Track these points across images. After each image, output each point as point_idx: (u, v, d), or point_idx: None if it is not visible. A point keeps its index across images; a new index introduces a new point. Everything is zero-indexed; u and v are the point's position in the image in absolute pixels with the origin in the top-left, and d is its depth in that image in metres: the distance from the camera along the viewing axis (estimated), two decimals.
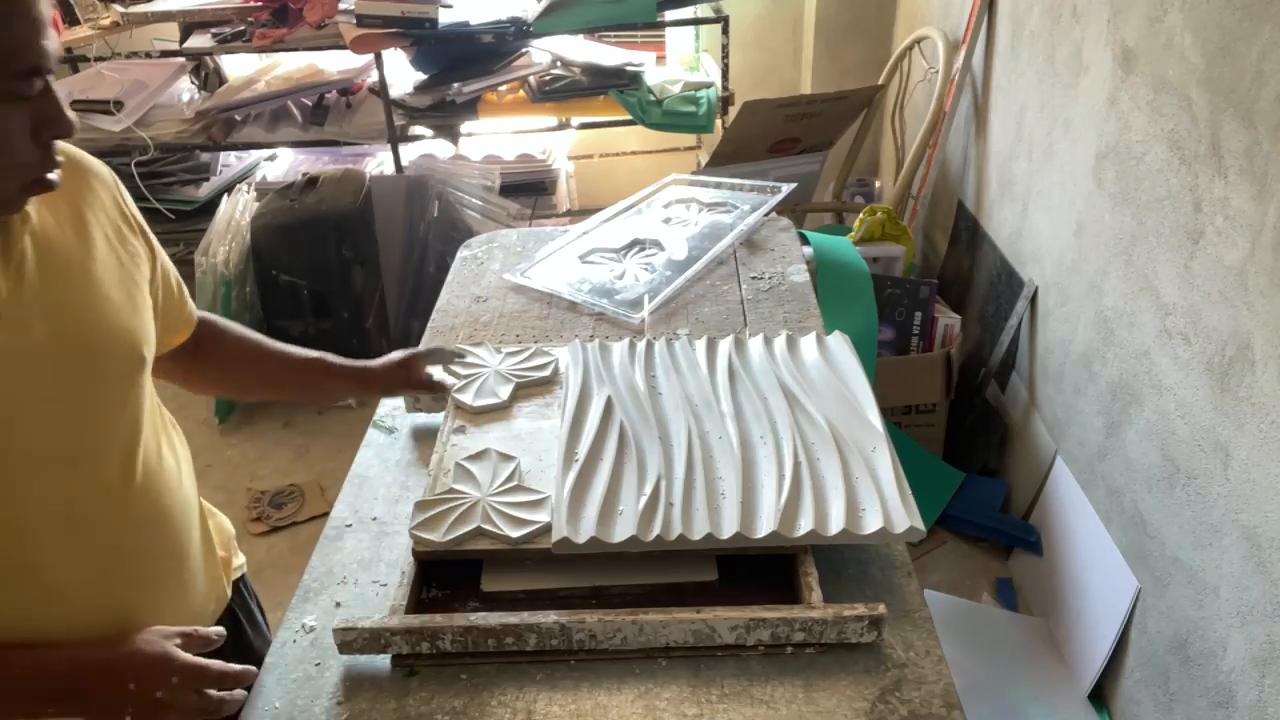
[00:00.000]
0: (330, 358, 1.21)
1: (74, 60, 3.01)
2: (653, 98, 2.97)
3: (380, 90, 2.90)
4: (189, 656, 0.88)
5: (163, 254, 1.00)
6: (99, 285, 0.86)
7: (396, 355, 1.27)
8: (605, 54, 3.09)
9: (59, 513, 0.84)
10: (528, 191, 3.26)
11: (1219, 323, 1.44)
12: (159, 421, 0.97)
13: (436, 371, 1.32)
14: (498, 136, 3.24)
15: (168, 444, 0.98)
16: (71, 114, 0.76)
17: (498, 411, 1.27)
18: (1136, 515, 1.71)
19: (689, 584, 1.05)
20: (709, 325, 1.55)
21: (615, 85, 2.98)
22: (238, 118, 3.10)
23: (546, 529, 1.03)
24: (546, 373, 1.34)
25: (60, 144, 0.82)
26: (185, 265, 2.95)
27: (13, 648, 0.83)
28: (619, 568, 1.06)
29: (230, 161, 3.34)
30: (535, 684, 0.96)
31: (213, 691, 0.88)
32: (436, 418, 1.34)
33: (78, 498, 0.85)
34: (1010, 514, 2.29)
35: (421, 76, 3.02)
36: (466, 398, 1.28)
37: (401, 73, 3.06)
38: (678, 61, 3.40)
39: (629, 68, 3.00)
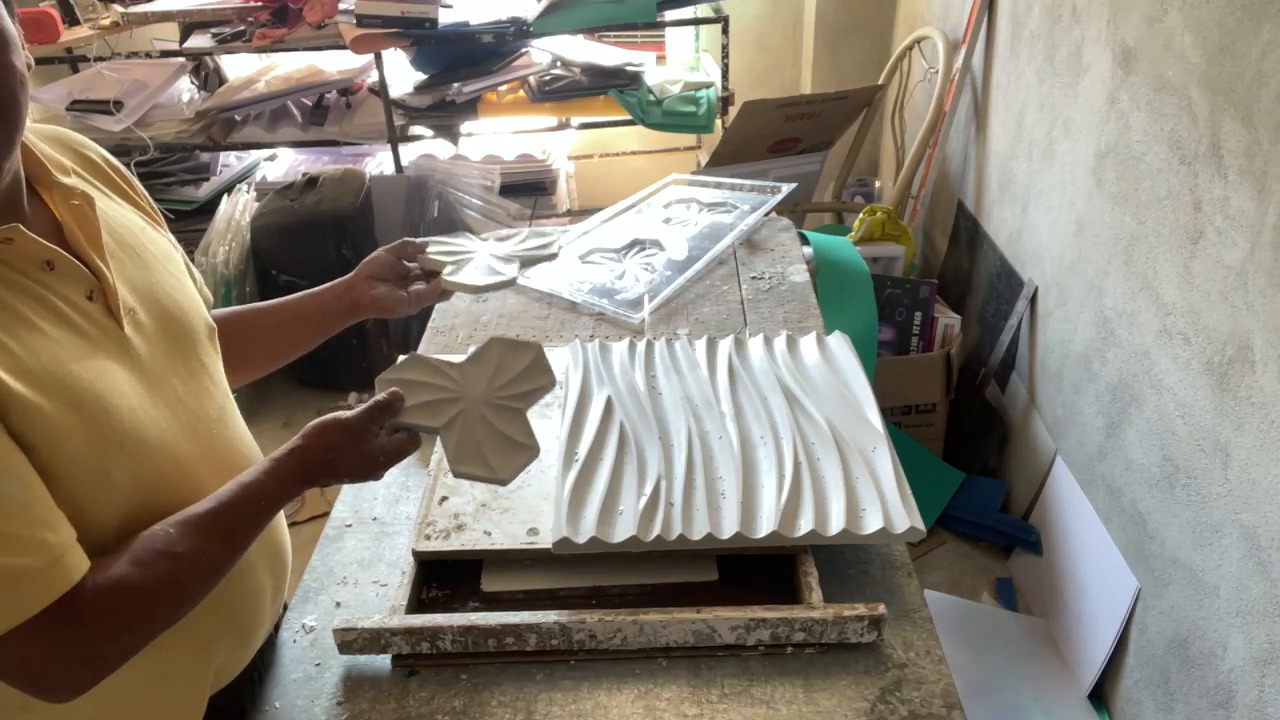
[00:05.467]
0: (308, 298, 1.15)
1: (74, 60, 3.01)
2: (653, 98, 2.97)
3: (380, 90, 2.89)
4: (347, 412, 0.92)
5: (173, 239, 1.02)
6: (161, 263, 0.91)
7: (352, 276, 1.16)
8: (605, 54, 3.08)
9: (213, 466, 0.89)
10: (528, 191, 3.26)
11: (1219, 323, 1.44)
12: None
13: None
14: (498, 136, 3.24)
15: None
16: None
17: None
18: (1136, 515, 1.71)
19: (689, 584, 1.05)
20: (709, 325, 1.55)
21: (615, 85, 2.98)
22: (238, 118, 3.10)
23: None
24: (553, 250, 1.24)
25: (81, 136, 0.92)
26: None
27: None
28: (619, 568, 1.06)
29: (230, 161, 3.33)
30: (535, 684, 0.96)
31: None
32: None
33: (218, 450, 0.91)
34: (1010, 514, 2.29)
35: (421, 76, 3.02)
36: (464, 277, 1.14)
37: (401, 73, 3.06)
38: (678, 61, 3.40)
39: (629, 68, 3.00)
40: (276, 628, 1.06)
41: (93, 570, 0.74)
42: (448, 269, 1.15)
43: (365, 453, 0.91)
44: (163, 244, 0.95)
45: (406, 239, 1.18)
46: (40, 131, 0.87)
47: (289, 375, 2.96)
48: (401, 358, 1.04)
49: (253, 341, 1.11)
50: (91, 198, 0.82)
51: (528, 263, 1.21)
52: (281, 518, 1.02)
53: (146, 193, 0.98)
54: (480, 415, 0.99)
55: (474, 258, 1.19)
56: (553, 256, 1.23)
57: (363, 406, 0.93)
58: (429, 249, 1.18)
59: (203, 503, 0.83)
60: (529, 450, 0.97)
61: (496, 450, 0.96)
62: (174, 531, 0.79)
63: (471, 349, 1.06)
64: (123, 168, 0.96)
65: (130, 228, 0.89)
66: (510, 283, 1.16)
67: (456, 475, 0.95)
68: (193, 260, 2.79)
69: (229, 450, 0.93)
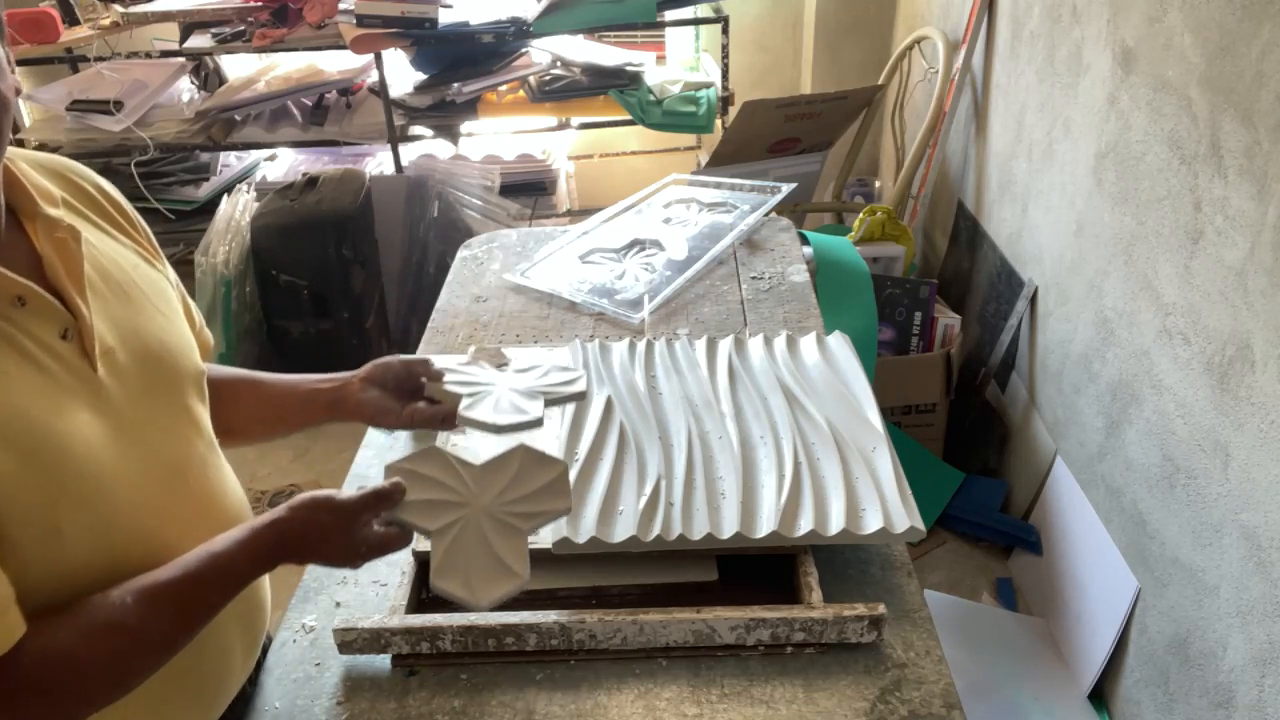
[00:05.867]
0: (302, 382, 1.09)
1: (74, 60, 3.01)
2: (653, 98, 2.97)
3: (380, 90, 2.89)
4: (340, 494, 0.87)
5: (175, 277, 0.98)
6: (151, 301, 0.87)
7: (362, 375, 1.08)
8: (605, 54, 3.08)
9: (188, 521, 0.84)
10: (528, 191, 3.26)
11: (1219, 323, 1.44)
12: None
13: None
14: (498, 136, 3.24)
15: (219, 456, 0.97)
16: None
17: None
18: (1136, 515, 1.71)
19: (689, 584, 1.05)
20: (709, 325, 1.55)
21: (615, 85, 2.98)
22: (238, 118, 3.10)
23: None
24: (579, 388, 1.18)
25: (81, 167, 0.89)
26: (185, 265, 2.96)
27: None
28: (619, 568, 1.06)
29: (230, 161, 3.33)
30: (535, 684, 0.96)
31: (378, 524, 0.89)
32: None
33: (196, 504, 0.86)
34: (1010, 514, 2.29)
35: (421, 76, 3.02)
36: (482, 413, 1.09)
37: (401, 73, 3.06)
38: (678, 61, 3.40)
39: (629, 68, 3.00)
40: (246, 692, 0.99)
41: (34, 634, 0.69)
42: (464, 403, 1.09)
43: (350, 540, 0.86)
44: (157, 282, 0.90)
45: (426, 358, 1.12)
46: (36, 160, 0.84)
47: None
48: (421, 448, 0.97)
49: (237, 408, 1.04)
50: (78, 231, 0.78)
51: (553, 401, 1.14)
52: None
53: (147, 228, 0.94)
54: (478, 528, 0.91)
55: (493, 391, 1.12)
56: (581, 395, 1.17)
57: (360, 492, 0.88)
58: (445, 378, 1.11)
59: (165, 570, 0.77)
60: (515, 579, 0.89)
61: (482, 571, 0.89)
62: (129, 601, 0.74)
63: (494, 448, 0.98)
64: (124, 202, 0.92)
65: (121, 263, 0.85)
66: (537, 423, 1.08)
67: (432, 588, 0.88)
68: (192, 260, 2.80)
69: (210, 503, 0.88)
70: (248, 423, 1.06)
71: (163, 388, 0.84)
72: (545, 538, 1.05)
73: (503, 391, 1.13)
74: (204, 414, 0.91)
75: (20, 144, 2.96)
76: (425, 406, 1.08)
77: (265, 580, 0.98)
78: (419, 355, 1.10)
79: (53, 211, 0.78)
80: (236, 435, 1.05)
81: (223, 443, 1.03)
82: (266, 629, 1.00)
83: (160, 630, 0.76)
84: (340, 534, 0.85)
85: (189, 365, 0.89)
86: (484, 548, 0.90)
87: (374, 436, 1.34)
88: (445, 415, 1.08)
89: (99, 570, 0.75)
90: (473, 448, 1.17)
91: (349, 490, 0.88)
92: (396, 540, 0.88)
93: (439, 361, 1.13)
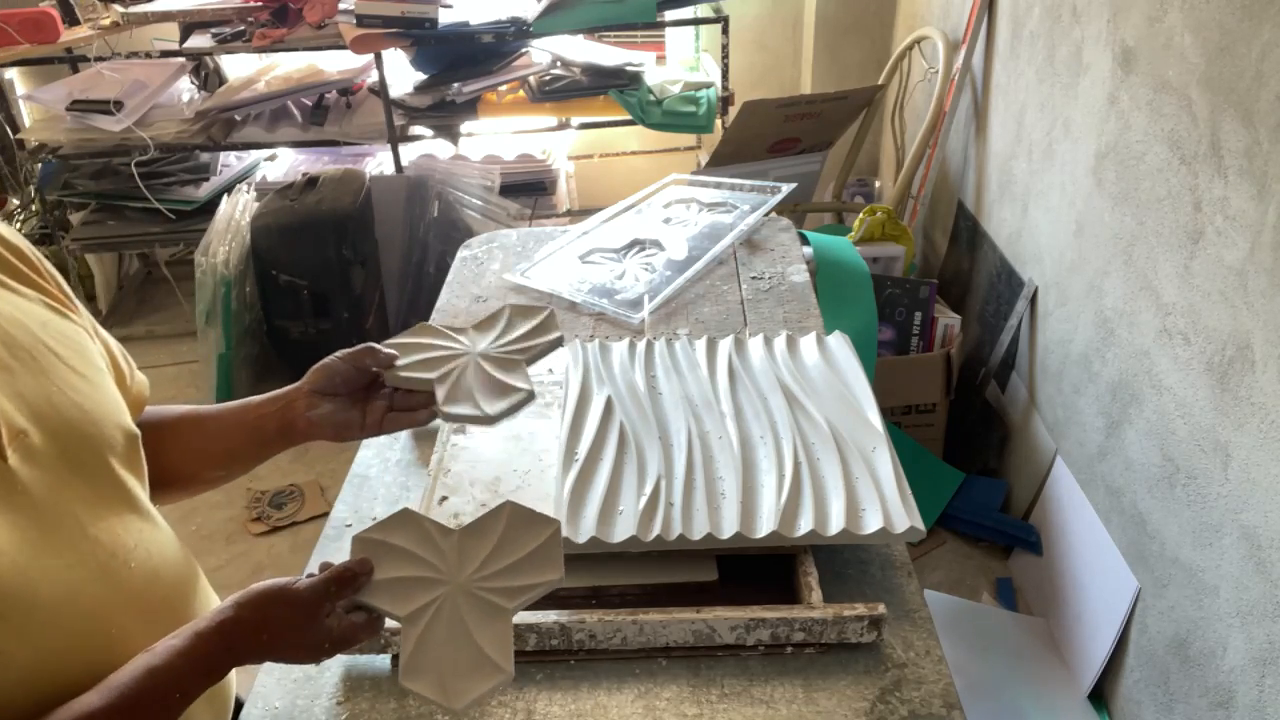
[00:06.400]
0: (244, 410, 0.95)
1: (74, 60, 3.01)
2: (653, 98, 2.97)
3: (380, 90, 2.90)
4: (302, 581, 0.77)
5: (93, 322, 0.85)
6: (66, 363, 0.75)
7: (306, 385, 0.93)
8: (605, 54, 3.09)
9: (134, 609, 0.75)
10: (528, 191, 3.26)
11: (1219, 323, 1.44)
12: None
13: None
14: (498, 136, 3.24)
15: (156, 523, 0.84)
16: None
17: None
18: (1136, 515, 1.71)
19: (689, 584, 1.05)
20: (709, 325, 1.55)
21: (615, 85, 2.98)
22: (238, 118, 3.10)
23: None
24: (555, 335, 1.04)
25: None
26: (185, 265, 2.96)
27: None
28: (619, 568, 1.06)
29: (230, 161, 3.34)
30: (535, 684, 0.96)
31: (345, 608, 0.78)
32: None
33: (139, 587, 0.77)
34: (1010, 514, 2.29)
35: (421, 76, 3.02)
36: (466, 406, 0.95)
37: (401, 73, 3.06)
38: (678, 61, 3.40)
39: (629, 68, 3.00)
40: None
41: None
42: (441, 395, 0.93)
43: (308, 636, 0.75)
44: (73, 337, 0.77)
45: (369, 345, 0.94)
46: None
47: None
48: (394, 511, 0.86)
49: (185, 452, 0.92)
50: None
51: (533, 358, 1.01)
52: None
53: (56, 273, 0.81)
54: (455, 611, 0.80)
55: (461, 368, 0.96)
56: (559, 342, 1.04)
57: (317, 578, 0.76)
58: (399, 361, 0.95)
59: (94, 696, 0.67)
60: (496, 674, 0.76)
61: (458, 665, 0.77)
62: None
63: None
64: (25, 247, 0.79)
65: (26, 324, 0.73)
66: (530, 397, 0.95)
67: (402, 687, 0.77)
68: (192, 260, 2.80)
69: (152, 584, 0.78)
70: (198, 465, 0.94)
71: (87, 463, 0.74)
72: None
73: (473, 364, 0.99)
74: (136, 481, 0.80)
75: (20, 144, 2.96)
76: (385, 405, 0.95)
77: None
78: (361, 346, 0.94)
79: None
80: (189, 483, 0.95)
81: (174, 496, 0.92)
82: (234, 693, 0.93)
83: None
84: (298, 631, 0.75)
85: (115, 432, 0.78)
86: (461, 636, 0.79)
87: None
88: (420, 410, 0.95)
89: (40, 691, 0.67)
90: (473, 448, 1.18)
91: (306, 576, 0.78)
92: (365, 629, 0.78)
93: (388, 346, 0.98)
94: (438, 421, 0.97)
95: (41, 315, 0.76)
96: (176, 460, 0.90)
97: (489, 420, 0.87)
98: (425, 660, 0.77)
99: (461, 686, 0.76)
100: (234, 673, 0.88)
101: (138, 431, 0.81)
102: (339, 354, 0.94)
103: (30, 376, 0.71)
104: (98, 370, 0.79)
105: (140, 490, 0.81)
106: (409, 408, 0.96)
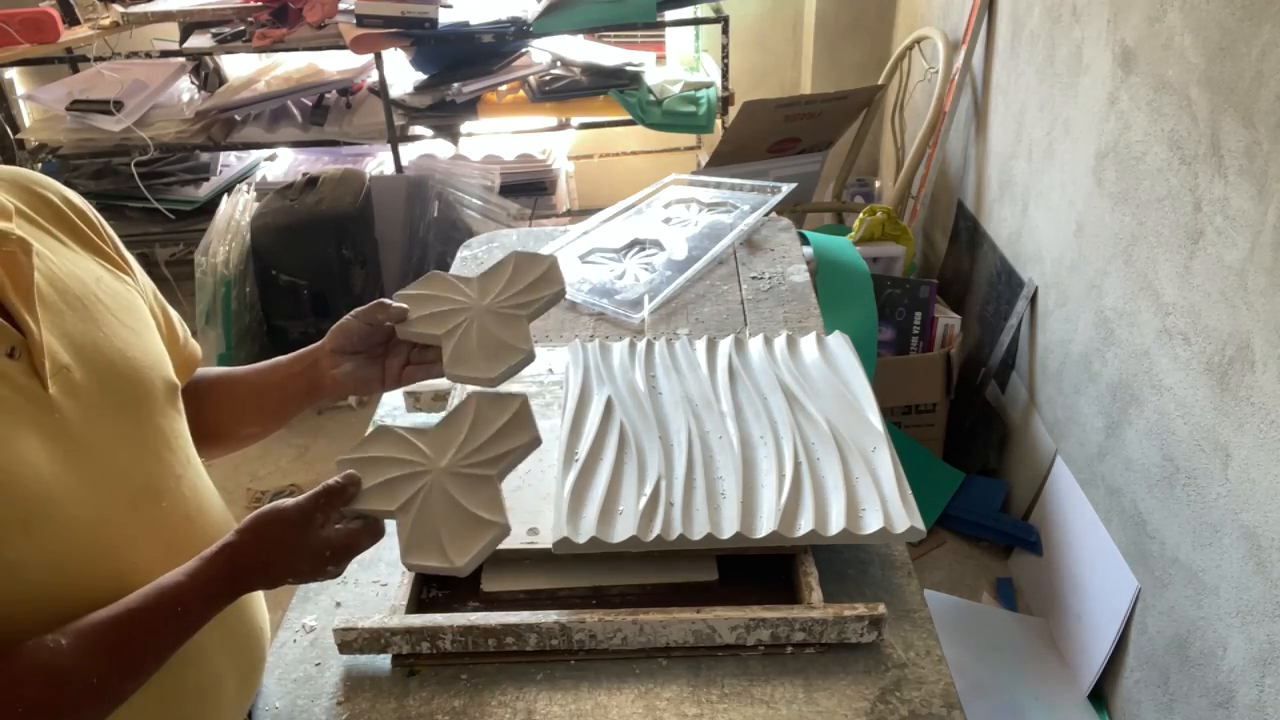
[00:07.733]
0: (273, 371, 1.00)
1: (74, 60, 3.01)
2: (653, 98, 2.97)
3: (380, 90, 2.90)
4: (292, 500, 0.82)
5: (153, 288, 0.92)
6: (116, 315, 0.81)
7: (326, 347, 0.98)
8: (605, 54, 3.09)
9: (160, 544, 0.79)
10: (528, 191, 3.26)
11: (1219, 323, 1.44)
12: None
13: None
14: (498, 136, 3.24)
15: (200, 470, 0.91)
16: None
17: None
18: (1136, 515, 1.71)
19: (689, 584, 1.05)
20: (709, 325, 1.55)
21: (615, 85, 2.98)
22: (238, 118, 3.10)
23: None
24: (556, 285, 1.03)
25: (45, 178, 0.83)
26: (185, 265, 2.96)
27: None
28: (619, 568, 1.06)
29: (230, 161, 3.34)
30: (535, 684, 0.96)
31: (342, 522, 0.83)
32: (435, 418, 1.33)
33: (169, 525, 0.81)
34: (1010, 514, 2.29)
35: (421, 76, 3.02)
36: (471, 368, 0.95)
37: (401, 73, 3.06)
38: (678, 61, 3.40)
39: (629, 68, 3.00)
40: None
41: None
42: (446, 354, 0.96)
43: (308, 548, 0.79)
44: (123, 295, 0.84)
45: (381, 300, 0.99)
46: None
47: None
48: (370, 429, 0.89)
49: (219, 412, 0.98)
50: (29, 244, 0.73)
51: (535, 314, 1.02)
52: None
53: (117, 240, 0.88)
54: (443, 491, 0.85)
55: (467, 324, 0.99)
56: (560, 294, 1.04)
57: (306, 494, 0.81)
58: (411, 314, 0.99)
59: (107, 609, 0.71)
60: (491, 528, 0.81)
61: (455, 532, 0.81)
62: (64, 644, 0.68)
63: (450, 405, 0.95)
64: (90, 211, 0.86)
65: (82, 277, 0.79)
66: (529, 358, 0.97)
67: (407, 567, 0.82)
68: (192, 260, 2.80)
69: (186, 524, 0.82)
70: (233, 424, 1.00)
71: (128, 404, 0.79)
72: (545, 538, 1.05)
73: (479, 317, 1.00)
74: (179, 429, 0.85)
75: (20, 144, 2.96)
76: (410, 362, 0.99)
77: (261, 604, 0.94)
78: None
79: (2, 225, 0.74)
80: (227, 440, 1.00)
81: (215, 452, 0.98)
82: (266, 655, 0.94)
83: (97, 674, 0.69)
84: (295, 545, 0.79)
85: (157, 380, 0.83)
86: (453, 509, 0.84)
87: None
88: (436, 363, 0.98)
89: (61, 602, 0.70)
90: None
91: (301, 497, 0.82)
92: (363, 534, 0.82)
93: (399, 299, 1.02)
94: (437, 420, 0.99)
95: (97, 272, 0.82)
96: (214, 417, 0.97)
97: (490, 382, 0.91)
98: (423, 537, 0.82)
99: (461, 547, 0.81)
100: (266, 641, 0.93)
101: (178, 382, 0.87)
102: (353, 312, 0.98)
103: (79, 321, 0.76)
104: (145, 325, 0.85)
105: (181, 437, 0.85)
106: (426, 361, 1.00)
